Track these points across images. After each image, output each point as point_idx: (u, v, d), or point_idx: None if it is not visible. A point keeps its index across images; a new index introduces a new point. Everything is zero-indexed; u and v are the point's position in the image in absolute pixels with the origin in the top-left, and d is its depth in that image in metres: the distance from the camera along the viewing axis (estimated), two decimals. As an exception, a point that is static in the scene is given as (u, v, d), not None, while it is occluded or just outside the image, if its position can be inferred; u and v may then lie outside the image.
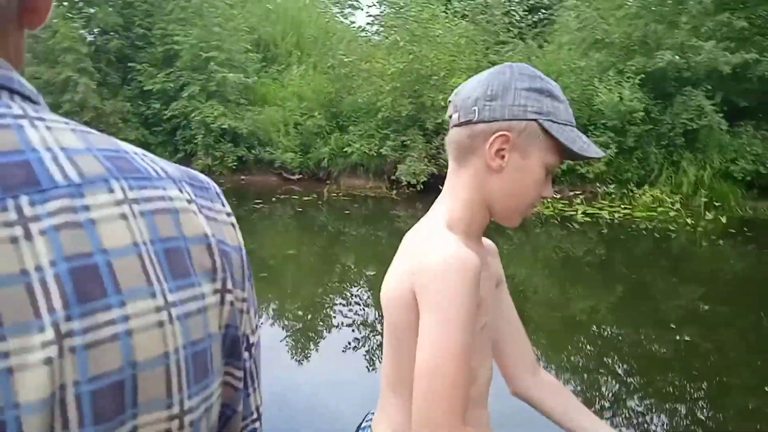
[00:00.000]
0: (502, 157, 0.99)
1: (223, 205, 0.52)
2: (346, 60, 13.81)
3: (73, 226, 0.39)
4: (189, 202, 0.47)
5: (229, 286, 0.48)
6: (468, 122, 1.00)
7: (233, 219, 0.52)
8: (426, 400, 0.85)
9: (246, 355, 0.52)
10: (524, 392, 1.20)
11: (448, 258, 0.89)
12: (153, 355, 0.41)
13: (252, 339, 0.53)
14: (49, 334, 0.37)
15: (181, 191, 0.47)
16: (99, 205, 0.41)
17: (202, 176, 0.52)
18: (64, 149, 0.42)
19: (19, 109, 0.42)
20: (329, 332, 5.03)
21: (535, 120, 0.97)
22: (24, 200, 0.38)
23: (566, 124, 0.99)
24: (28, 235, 0.38)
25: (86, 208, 0.40)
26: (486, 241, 1.17)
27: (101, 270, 0.40)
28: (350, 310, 5.57)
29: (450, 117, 1.05)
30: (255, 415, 0.56)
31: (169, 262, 0.43)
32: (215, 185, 0.53)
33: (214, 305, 0.47)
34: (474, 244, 1.03)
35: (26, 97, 0.44)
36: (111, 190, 0.42)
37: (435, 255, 0.91)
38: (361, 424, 1.18)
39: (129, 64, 15.01)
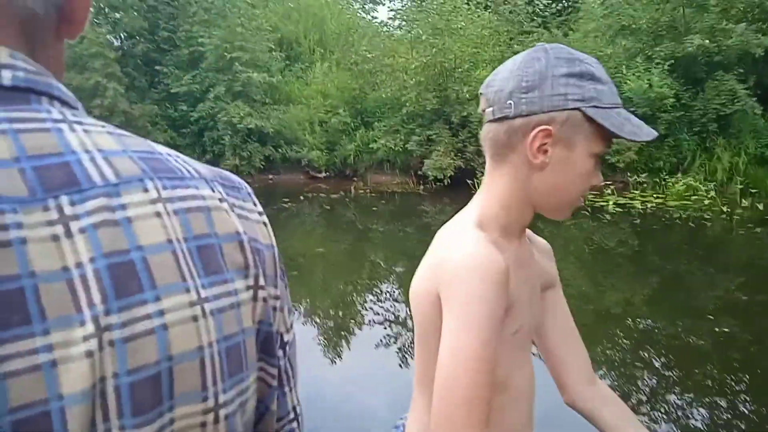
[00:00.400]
0: (545, 152, 0.91)
1: (255, 204, 0.53)
2: (369, 56, 13.83)
3: (111, 224, 0.41)
4: (221, 201, 0.48)
5: (262, 282, 0.49)
6: (504, 118, 0.92)
7: (265, 218, 0.53)
8: (441, 404, 0.81)
9: (280, 353, 0.52)
10: (579, 403, 1.12)
11: (470, 257, 0.86)
12: (188, 348, 0.42)
13: (286, 337, 0.53)
14: (90, 327, 0.38)
15: (213, 190, 0.48)
16: (135, 204, 0.42)
17: (234, 176, 0.53)
18: (102, 151, 0.43)
19: (58, 114, 0.43)
20: (360, 329, 5.04)
21: (577, 108, 0.89)
22: (64, 200, 0.39)
23: (612, 107, 0.90)
24: (68, 233, 0.39)
25: (123, 206, 0.42)
26: (540, 241, 1.12)
27: (137, 266, 0.41)
28: (381, 307, 5.58)
29: (483, 111, 0.96)
30: (292, 415, 0.55)
31: (202, 259, 0.44)
32: (246, 185, 0.54)
33: (247, 301, 0.47)
34: (511, 243, 0.98)
35: (65, 103, 0.45)
36: (146, 190, 0.43)
37: (457, 253, 0.88)
38: (396, 423, 1.17)
39: (155, 68, 15.27)
